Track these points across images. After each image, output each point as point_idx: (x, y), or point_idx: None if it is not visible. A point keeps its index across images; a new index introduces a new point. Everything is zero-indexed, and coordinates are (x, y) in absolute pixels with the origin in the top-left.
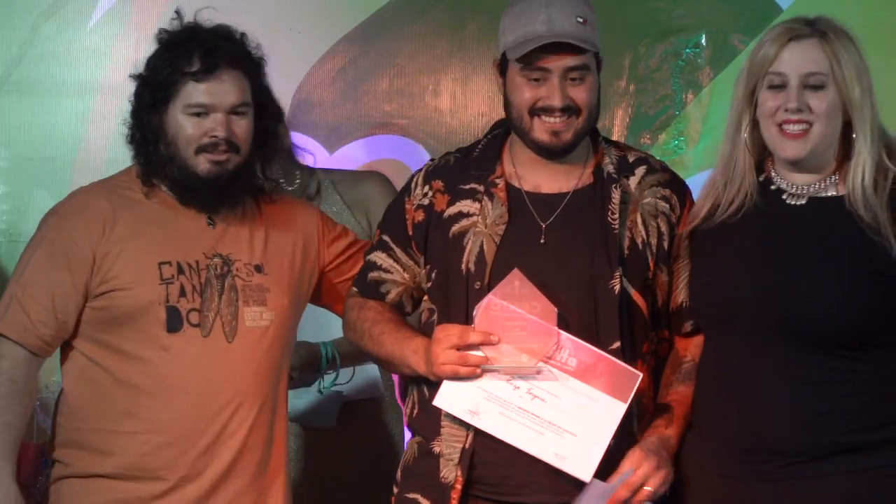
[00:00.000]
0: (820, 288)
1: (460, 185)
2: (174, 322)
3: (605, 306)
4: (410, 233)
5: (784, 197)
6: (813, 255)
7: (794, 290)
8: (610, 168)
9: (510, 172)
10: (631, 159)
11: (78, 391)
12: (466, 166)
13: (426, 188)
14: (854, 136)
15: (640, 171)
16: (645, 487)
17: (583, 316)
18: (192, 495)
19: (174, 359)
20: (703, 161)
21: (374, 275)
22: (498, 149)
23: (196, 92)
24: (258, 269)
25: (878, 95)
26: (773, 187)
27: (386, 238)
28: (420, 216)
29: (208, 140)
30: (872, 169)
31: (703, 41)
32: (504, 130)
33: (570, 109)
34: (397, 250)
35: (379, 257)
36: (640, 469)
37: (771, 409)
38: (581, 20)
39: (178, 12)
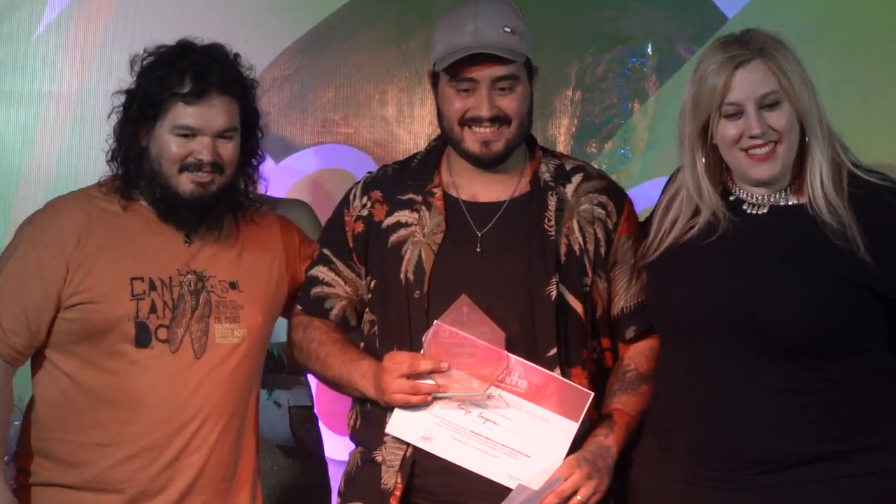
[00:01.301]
0: (785, 296)
1: (398, 196)
2: (143, 338)
3: (541, 313)
4: (351, 244)
5: (745, 207)
6: (777, 263)
7: (760, 299)
8: (546, 176)
9: (448, 182)
10: (568, 167)
11: (46, 401)
12: (405, 177)
13: (364, 199)
14: (807, 139)
15: (577, 178)
16: (576, 496)
17: (520, 323)
18: None
19: (141, 373)
20: (650, 170)
21: (316, 290)
22: (436, 159)
23: (185, 114)
24: (233, 285)
25: (829, 98)
26: (731, 198)
27: (327, 252)
28: (360, 227)
29: (192, 160)
30: (829, 169)
31: (649, 50)
32: (442, 142)
33: (499, 119)
34: (338, 263)
35: (321, 272)
36: (572, 478)
37: (738, 417)
38: (509, 30)
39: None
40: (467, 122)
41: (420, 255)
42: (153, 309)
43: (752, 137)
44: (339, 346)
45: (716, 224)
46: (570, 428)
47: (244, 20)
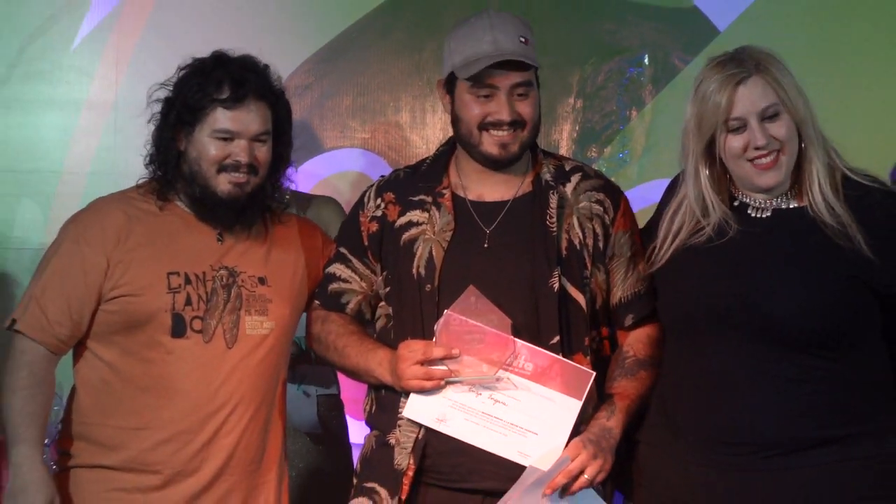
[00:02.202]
0: (791, 293)
1: (410, 197)
2: (178, 328)
3: (545, 303)
4: (366, 243)
5: (749, 211)
6: (782, 262)
7: (767, 296)
8: (548, 176)
9: (456, 183)
10: (567, 168)
11: (87, 388)
12: (415, 179)
13: (378, 201)
14: (803, 146)
15: (576, 178)
16: (583, 475)
17: (525, 313)
18: (187, 490)
19: (176, 362)
20: (646, 173)
21: (333, 286)
22: (444, 163)
23: (224, 118)
24: (262, 280)
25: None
26: (736, 203)
27: (343, 250)
28: (374, 227)
29: (230, 162)
30: (826, 173)
31: (646, 61)
32: (449, 146)
33: (516, 123)
34: (354, 261)
35: (338, 269)
36: (579, 458)
37: (747, 406)
38: (523, 40)
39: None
40: (486, 125)
41: (431, 252)
42: (188, 301)
43: (756, 148)
44: (356, 337)
45: (724, 229)
46: (574, 406)
47: (267, 33)
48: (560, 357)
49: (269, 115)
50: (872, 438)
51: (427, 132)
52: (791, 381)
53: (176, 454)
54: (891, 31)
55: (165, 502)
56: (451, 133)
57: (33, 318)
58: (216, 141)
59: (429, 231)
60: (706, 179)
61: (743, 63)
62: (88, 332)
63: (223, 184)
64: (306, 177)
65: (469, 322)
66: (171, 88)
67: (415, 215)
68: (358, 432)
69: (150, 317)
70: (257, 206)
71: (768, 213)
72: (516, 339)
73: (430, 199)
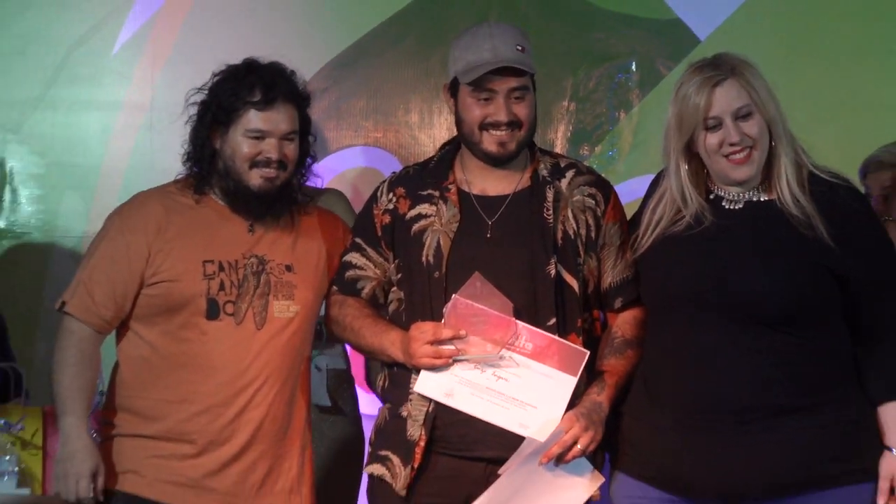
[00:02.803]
0: (758, 276)
1: (419, 192)
2: (213, 311)
3: (542, 288)
4: (379, 234)
5: (724, 203)
6: (751, 249)
7: (737, 279)
8: (544, 172)
9: (461, 179)
10: (562, 165)
11: (129, 364)
12: (424, 175)
13: (390, 195)
14: (773, 144)
15: (570, 174)
16: (576, 446)
17: (524, 297)
18: (219, 458)
19: (210, 342)
20: (634, 169)
21: (350, 273)
22: (450, 160)
23: (256, 119)
24: (288, 268)
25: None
26: (711, 196)
27: (359, 240)
28: (387, 219)
29: (262, 158)
30: (794, 170)
31: (634, 67)
32: (455, 145)
33: (513, 124)
34: (369, 250)
35: (354, 257)
36: (572, 430)
37: (722, 376)
38: (520, 48)
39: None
40: (486, 126)
41: (439, 242)
42: (222, 287)
43: (731, 145)
44: (371, 319)
45: (700, 219)
46: (570, 382)
47: (289, 41)
48: (557, 338)
49: (296, 116)
50: (835, 406)
51: (434, 132)
52: (760, 353)
53: (209, 425)
54: (857, 42)
55: (199, 469)
56: (455, 132)
57: (81, 300)
58: (249, 140)
59: (437, 223)
60: (685, 174)
61: (719, 67)
62: (131, 313)
63: (255, 178)
64: (323, 172)
65: (475, 306)
66: (207, 92)
67: (424, 208)
68: (368, 404)
69: (187, 300)
70: (286, 198)
71: (741, 206)
72: (518, 321)
73: (437, 193)
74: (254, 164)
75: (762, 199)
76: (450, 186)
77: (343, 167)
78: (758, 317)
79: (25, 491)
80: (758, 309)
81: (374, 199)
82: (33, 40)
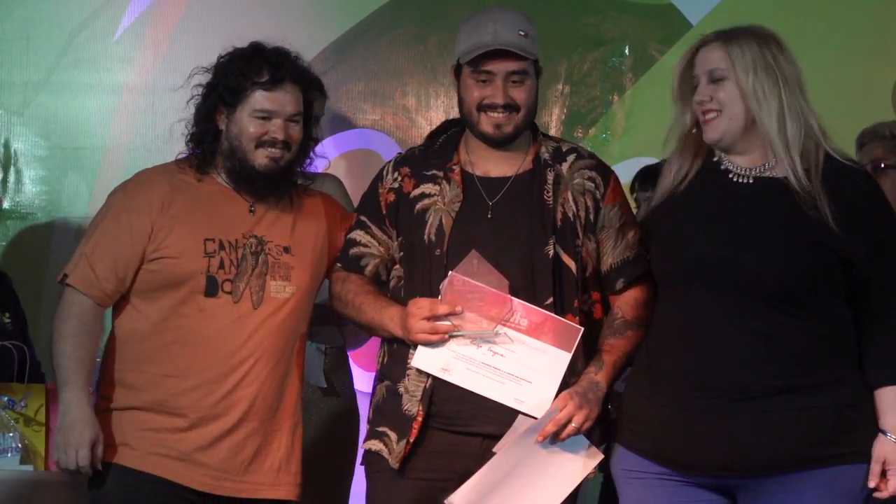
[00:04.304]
0: (764, 253)
1: (424, 171)
2: (211, 288)
3: (540, 268)
4: (384, 212)
5: (731, 176)
6: (758, 225)
7: (743, 254)
8: (546, 156)
9: (465, 160)
10: (564, 149)
11: (125, 338)
12: (429, 156)
13: (395, 174)
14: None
15: (571, 157)
16: (570, 424)
17: (523, 276)
18: (210, 433)
19: (207, 318)
20: (626, 151)
21: (354, 250)
22: (455, 142)
23: (263, 99)
24: (286, 249)
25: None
26: (721, 167)
27: (363, 218)
28: (391, 197)
29: (268, 138)
30: (788, 146)
31: (627, 51)
32: (461, 127)
33: (510, 107)
34: (373, 228)
35: (358, 235)
36: (566, 409)
37: (718, 353)
38: (522, 33)
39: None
40: (484, 107)
41: (441, 220)
42: (221, 265)
43: (699, 103)
44: (372, 296)
45: (704, 188)
46: (564, 358)
47: (289, 25)
48: (551, 314)
49: (301, 98)
50: (832, 387)
51: (430, 114)
52: (756, 332)
53: (202, 400)
54: (848, 27)
55: (189, 443)
56: (451, 114)
57: (83, 273)
58: (256, 120)
59: (439, 202)
60: (685, 135)
61: (721, 33)
62: (131, 288)
63: (260, 158)
64: (323, 154)
65: (471, 282)
66: (213, 74)
67: (427, 188)
68: (362, 381)
69: (187, 277)
70: (289, 179)
71: (750, 181)
72: (513, 298)
73: (441, 173)
74: (260, 143)
75: (772, 176)
76: (453, 167)
77: (342, 149)
78: (756, 294)
79: (28, 468)
80: (756, 286)
81: (379, 177)
82: (37, 24)
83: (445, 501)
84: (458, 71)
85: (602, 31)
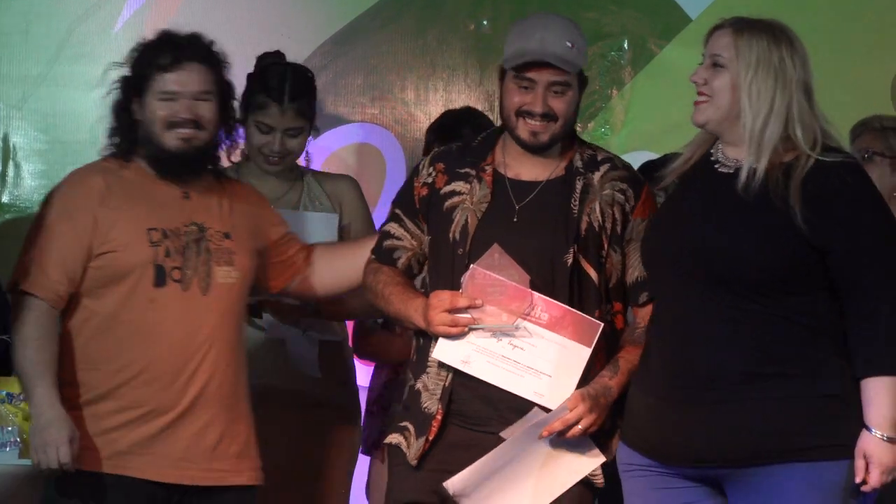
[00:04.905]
0: (735, 241)
1: (457, 169)
2: (160, 278)
3: (559, 276)
4: (417, 206)
5: (717, 166)
6: (733, 214)
7: (716, 243)
8: (579, 164)
9: (499, 161)
10: (599, 158)
11: (78, 338)
12: (465, 154)
13: (430, 169)
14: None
15: (605, 167)
16: (577, 426)
17: (541, 283)
18: (171, 423)
19: (158, 309)
20: (625, 145)
21: (388, 243)
22: (493, 142)
23: (165, 81)
24: (227, 235)
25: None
26: (711, 158)
27: (398, 211)
28: (424, 192)
29: (175, 119)
30: (765, 156)
31: (626, 45)
32: (500, 128)
33: (548, 116)
34: (407, 221)
35: (392, 227)
36: (577, 409)
37: (694, 342)
38: (570, 45)
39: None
40: (522, 113)
41: (466, 220)
42: (168, 254)
43: (693, 82)
44: (401, 287)
45: (692, 178)
46: (584, 353)
47: (289, 19)
48: (572, 309)
49: (210, 77)
50: (803, 379)
51: (429, 108)
52: (733, 321)
53: (161, 392)
54: (848, 21)
55: (150, 434)
56: (446, 110)
57: (36, 278)
58: (162, 102)
59: (468, 201)
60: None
61: (736, 20)
62: (79, 286)
63: (171, 139)
64: (321, 149)
65: (492, 276)
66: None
67: (458, 185)
68: (362, 376)
69: (134, 268)
70: (208, 160)
71: (731, 171)
72: (534, 292)
73: (474, 172)
74: (169, 125)
75: (754, 167)
76: (486, 167)
77: (341, 143)
78: (728, 282)
79: (27, 462)
80: (727, 274)
81: (416, 171)
82: (36, 18)
83: (443, 485)
84: (502, 74)
85: (601, 25)
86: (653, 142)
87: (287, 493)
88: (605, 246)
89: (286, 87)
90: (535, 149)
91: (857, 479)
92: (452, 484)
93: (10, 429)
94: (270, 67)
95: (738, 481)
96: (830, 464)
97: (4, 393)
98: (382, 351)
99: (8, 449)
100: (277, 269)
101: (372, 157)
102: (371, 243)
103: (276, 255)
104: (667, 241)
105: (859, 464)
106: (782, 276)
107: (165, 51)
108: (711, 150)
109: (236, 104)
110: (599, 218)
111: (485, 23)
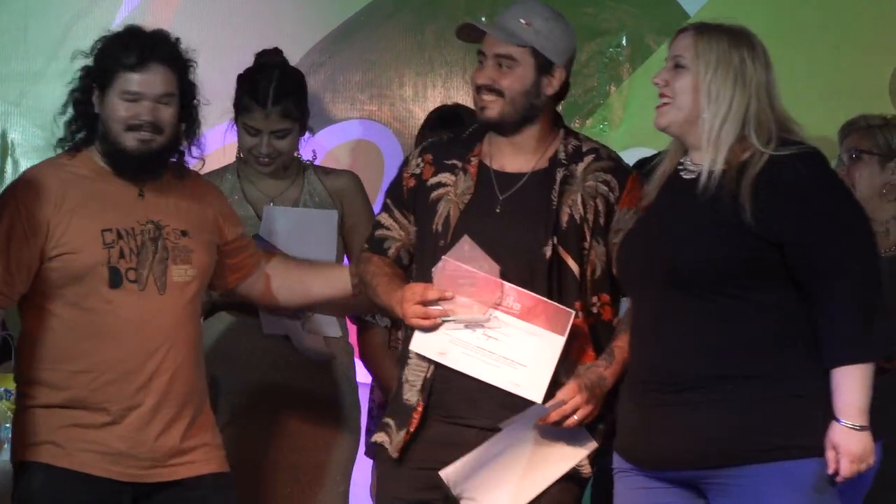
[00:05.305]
0: (690, 242)
1: (444, 160)
2: (115, 279)
3: (538, 268)
4: (405, 197)
5: (681, 172)
6: (689, 216)
7: (673, 246)
8: (562, 155)
9: (486, 153)
10: (584, 149)
11: (37, 338)
12: (454, 145)
13: (419, 160)
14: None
15: (589, 158)
16: (573, 416)
17: (521, 275)
18: (133, 424)
19: (116, 310)
20: (624, 141)
21: (379, 232)
22: (482, 133)
23: (129, 81)
24: (184, 233)
25: (789, 93)
26: (679, 166)
27: (388, 201)
28: (412, 183)
29: (136, 121)
30: (721, 155)
31: (624, 42)
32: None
33: (492, 90)
34: (396, 212)
35: (383, 217)
36: (573, 400)
37: (658, 346)
38: (524, 22)
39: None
40: (476, 88)
41: (449, 211)
42: (122, 255)
43: (655, 84)
44: (388, 278)
45: (662, 185)
46: (558, 341)
47: (287, 16)
48: (543, 298)
49: (173, 80)
50: (764, 380)
51: (428, 105)
52: (698, 324)
53: (121, 392)
54: (845, 19)
55: (115, 436)
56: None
57: None
58: (124, 102)
59: (452, 193)
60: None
61: (697, 24)
62: (35, 287)
63: (130, 141)
64: (319, 145)
65: (463, 267)
66: (91, 57)
67: (444, 177)
68: (362, 372)
69: (88, 270)
70: (164, 161)
71: (694, 176)
72: (504, 283)
73: (460, 164)
74: (129, 127)
75: (712, 168)
76: (472, 159)
77: (339, 140)
78: (692, 285)
79: None
80: (688, 277)
81: (406, 162)
82: (34, 15)
83: (439, 474)
84: None
85: (599, 21)
86: (651, 138)
87: (285, 490)
88: (588, 238)
89: (270, 89)
90: (490, 126)
91: (830, 471)
92: (447, 474)
93: (7, 426)
94: (257, 69)
95: (714, 483)
96: (803, 462)
97: (2, 389)
98: (375, 365)
99: (6, 446)
100: (227, 269)
101: (370, 153)
102: (334, 269)
103: (227, 255)
104: (632, 250)
105: (829, 455)
106: (739, 274)
107: (132, 49)
108: (681, 160)
109: (205, 102)
110: (581, 209)
111: (483, 19)
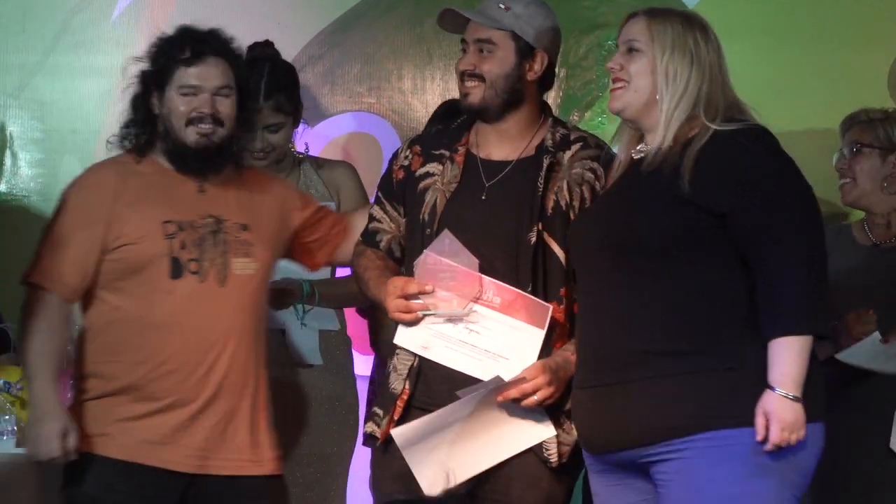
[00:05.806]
0: (630, 213)
1: (432, 151)
2: (176, 270)
3: (523, 255)
4: (395, 189)
5: (633, 154)
6: (633, 193)
7: (615, 219)
8: (549, 143)
9: (473, 141)
10: (572, 137)
11: (97, 331)
12: (442, 135)
13: (408, 152)
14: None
15: (576, 147)
16: (534, 396)
17: (507, 262)
18: (189, 414)
19: (176, 300)
20: None
21: (371, 225)
22: (469, 123)
23: (187, 75)
24: (244, 227)
25: (775, 85)
26: (634, 152)
27: (380, 194)
28: (401, 174)
29: (196, 114)
30: (671, 133)
31: None
32: None
33: (474, 76)
34: (387, 204)
35: (375, 210)
36: (535, 380)
37: (599, 325)
38: (503, 7)
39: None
40: (459, 75)
41: (436, 200)
42: (183, 246)
43: (609, 69)
44: (378, 271)
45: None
46: (539, 334)
47: (285, 8)
48: (522, 292)
49: (229, 72)
50: (702, 355)
51: (427, 97)
52: (632, 299)
53: (180, 383)
54: (843, 12)
55: (170, 425)
56: (447, 98)
57: (47, 270)
58: (182, 97)
59: (439, 182)
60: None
61: (648, 9)
62: (96, 280)
63: (191, 135)
64: (318, 137)
65: (443, 261)
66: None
67: (432, 167)
68: (361, 366)
69: (150, 261)
70: (226, 154)
71: (642, 156)
72: (483, 276)
73: (447, 153)
74: (189, 121)
75: (661, 147)
76: (459, 148)
77: (337, 132)
78: (630, 261)
79: (24, 450)
80: (627, 253)
81: (395, 155)
82: (33, 6)
83: (391, 432)
84: None
85: (597, 14)
86: None
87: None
88: None
89: (261, 85)
90: (473, 112)
91: (759, 438)
92: (398, 433)
93: (7, 417)
94: (248, 64)
95: (655, 461)
96: (737, 431)
97: (2, 381)
98: None
99: (5, 437)
100: (313, 248)
101: (368, 146)
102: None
103: (307, 236)
104: (576, 231)
105: (759, 421)
106: (680, 246)
107: (186, 45)
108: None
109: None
110: (567, 196)
111: None
